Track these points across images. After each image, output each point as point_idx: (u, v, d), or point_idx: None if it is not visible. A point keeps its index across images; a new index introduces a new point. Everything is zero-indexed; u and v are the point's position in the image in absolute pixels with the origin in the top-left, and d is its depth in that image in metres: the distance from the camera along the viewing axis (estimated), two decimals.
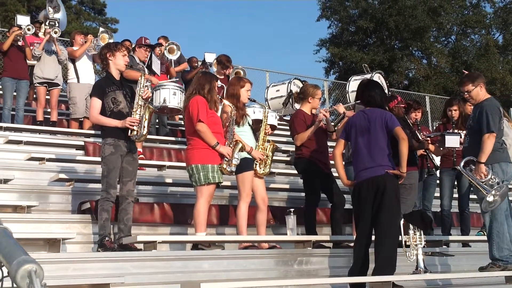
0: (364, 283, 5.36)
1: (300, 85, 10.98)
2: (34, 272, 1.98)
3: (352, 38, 33.66)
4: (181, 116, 10.60)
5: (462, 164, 5.95)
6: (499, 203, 5.71)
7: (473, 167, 5.85)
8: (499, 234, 5.82)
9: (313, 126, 6.69)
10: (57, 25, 9.63)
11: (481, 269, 6.02)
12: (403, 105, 7.08)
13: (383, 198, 5.29)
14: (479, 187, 5.78)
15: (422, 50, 32.79)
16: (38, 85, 9.59)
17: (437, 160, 7.87)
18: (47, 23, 9.71)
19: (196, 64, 11.63)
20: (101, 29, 10.82)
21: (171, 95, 8.27)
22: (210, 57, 11.19)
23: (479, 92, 6.06)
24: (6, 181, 6.61)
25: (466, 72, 7.42)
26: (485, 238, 6.25)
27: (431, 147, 7.50)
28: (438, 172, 7.89)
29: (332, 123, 7.10)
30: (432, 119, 19.12)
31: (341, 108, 7.20)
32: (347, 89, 11.89)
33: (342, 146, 5.74)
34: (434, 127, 14.25)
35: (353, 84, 11.36)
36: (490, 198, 5.68)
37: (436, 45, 32.90)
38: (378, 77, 11.41)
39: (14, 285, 2.00)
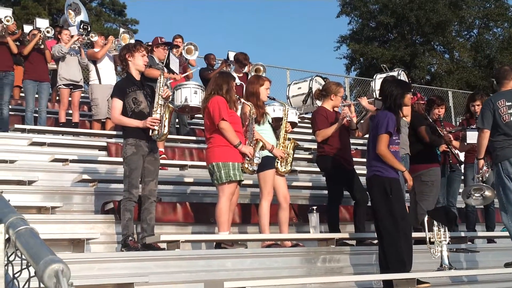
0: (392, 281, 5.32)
1: (322, 82, 10.91)
2: (61, 271, 1.98)
3: (372, 34, 33.48)
4: (199, 115, 10.62)
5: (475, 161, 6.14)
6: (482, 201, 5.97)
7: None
8: None
9: (337, 123, 6.64)
10: (89, 28, 9.77)
11: (507, 265, 5.97)
12: (423, 102, 7.03)
13: (371, 199, 5.53)
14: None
15: (444, 44, 32.49)
16: (63, 87, 9.66)
17: (461, 155, 7.79)
18: (81, 27, 9.81)
19: (214, 62, 11.58)
20: (121, 29, 10.87)
21: (192, 94, 8.31)
22: (233, 56, 11.10)
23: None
24: (30, 182, 6.67)
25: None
26: None
27: (455, 143, 7.43)
28: (462, 167, 7.82)
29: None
30: (455, 114, 18.94)
31: (364, 101, 7.14)
32: (373, 87, 11.79)
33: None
34: (458, 123, 14.11)
35: (379, 82, 11.24)
36: (476, 194, 5.90)
37: (458, 39, 32.60)
38: (403, 75, 11.29)
39: (41, 285, 2.02)
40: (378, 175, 5.37)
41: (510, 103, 5.89)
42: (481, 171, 5.99)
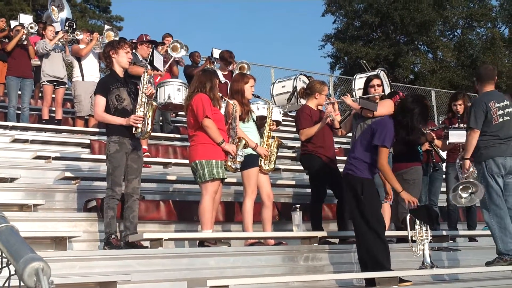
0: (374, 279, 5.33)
1: (306, 80, 10.96)
2: (41, 270, 1.98)
3: (357, 33, 33.60)
4: (183, 113, 10.59)
5: (458, 160, 6.13)
6: (470, 200, 5.97)
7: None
8: (501, 228, 5.83)
9: (321, 122, 6.66)
10: (74, 26, 9.73)
11: (488, 263, 6.01)
12: None
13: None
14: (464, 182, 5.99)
15: (428, 44, 32.69)
16: (47, 83, 9.59)
17: (443, 154, 7.85)
18: (66, 24, 9.76)
19: (199, 59, 11.56)
20: (106, 27, 10.82)
21: (175, 91, 8.29)
22: (218, 53, 11.09)
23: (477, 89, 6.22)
24: (12, 180, 6.62)
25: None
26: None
27: (438, 142, 7.48)
28: (444, 166, 7.87)
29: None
30: (437, 113, 19.06)
31: (348, 99, 7.15)
32: (353, 87, 11.85)
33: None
34: (440, 122, 14.21)
35: (359, 82, 11.32)
36: (464, 194, 5.97)
37: (441, 39, 32.81)
38: (382, 75, 11.35)
39: (21, 284, 2.01)
40: (350, 174, 5.36)
41: (499, 105, 5.94)
42: (467, 171, 5.99)
